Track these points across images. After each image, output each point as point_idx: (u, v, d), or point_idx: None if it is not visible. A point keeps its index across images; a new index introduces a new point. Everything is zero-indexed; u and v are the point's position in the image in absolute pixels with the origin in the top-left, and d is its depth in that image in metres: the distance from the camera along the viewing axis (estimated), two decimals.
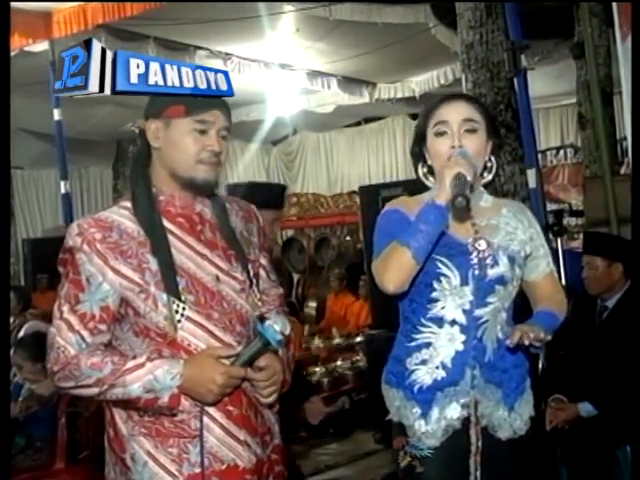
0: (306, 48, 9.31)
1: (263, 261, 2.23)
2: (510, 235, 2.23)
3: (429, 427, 2.15)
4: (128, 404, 1.98)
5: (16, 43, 7.69)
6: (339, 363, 7.41)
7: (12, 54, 7.61)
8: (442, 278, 2.14)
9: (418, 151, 2.29)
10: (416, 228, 2.06)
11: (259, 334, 1.95)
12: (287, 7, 8.07)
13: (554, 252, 4.87)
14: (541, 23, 7.41)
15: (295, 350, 2.29)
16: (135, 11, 7.35)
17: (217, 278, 2.04)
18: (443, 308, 2.16)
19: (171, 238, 2.02)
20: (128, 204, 2.04)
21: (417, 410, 2.16)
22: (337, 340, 8.23)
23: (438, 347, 2.16)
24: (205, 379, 1.92)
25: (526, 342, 2.03)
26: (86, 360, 1.95)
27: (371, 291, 6.20)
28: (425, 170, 2.28)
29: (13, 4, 7.07)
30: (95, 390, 1.96)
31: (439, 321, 2.17)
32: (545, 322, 2.17)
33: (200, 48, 8.99)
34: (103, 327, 1.99)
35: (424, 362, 2.17)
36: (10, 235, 9.47)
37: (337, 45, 9.27)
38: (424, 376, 2.17)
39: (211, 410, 1.99)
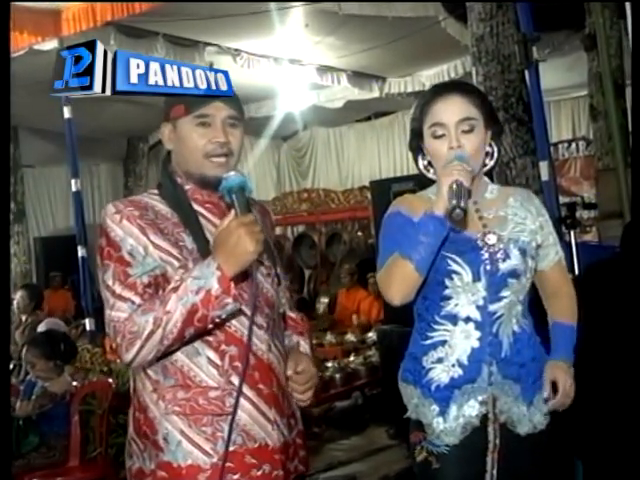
0: (316, 43, 9.28)
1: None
2: (519, 226, 2.21)
3: (447, 425, 2.14)
4: (194, 325, 1.91)
5: (25, 41, 7.68)
6: (352, 358, 7.36)
7: (22, 52, 7.63)
8: (453, 275, 2.13)
9: (416, 145, 2.25)
10: (416, 240, 2.05)
11: (227, 191, 1.93)
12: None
13: (567, 245, 4.86)
14: (552, 15, 7.36)
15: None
16: (144, 8, 7.34)
17: None
18: (456, 305, 2.15)
19: (202, 220, 2.06)
20: (156, 191, 2.11)
21: (435, 408, 2.16)
22: (349, 336, 8.19)
23: (453, 345, 2.15)
24: (228, 238, 1.87)
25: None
26: (137, 312, 1.93)
27: None
28: (425, 163, 2.25)
29: (22, 3, 7.13)
30: (160, 332, 1.89)
31: (453, 318, 2.15)
32: (570, 341, 2.27)
33: (209, 44, 8.97)
34: (151, 290, 1.97)
35: (440, 360, 2.16)
36: (10, 235, 9.49)
37: (347, 40, 9.23)
38: (441, 374, 2.16)
39: (244, 388, 1.99)
